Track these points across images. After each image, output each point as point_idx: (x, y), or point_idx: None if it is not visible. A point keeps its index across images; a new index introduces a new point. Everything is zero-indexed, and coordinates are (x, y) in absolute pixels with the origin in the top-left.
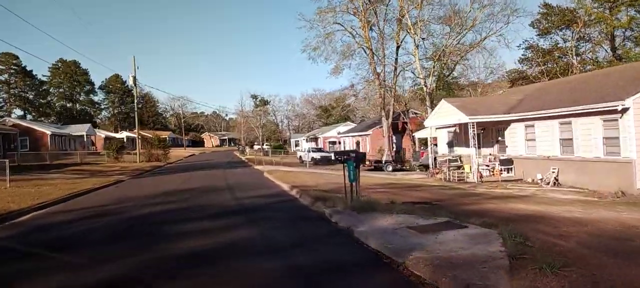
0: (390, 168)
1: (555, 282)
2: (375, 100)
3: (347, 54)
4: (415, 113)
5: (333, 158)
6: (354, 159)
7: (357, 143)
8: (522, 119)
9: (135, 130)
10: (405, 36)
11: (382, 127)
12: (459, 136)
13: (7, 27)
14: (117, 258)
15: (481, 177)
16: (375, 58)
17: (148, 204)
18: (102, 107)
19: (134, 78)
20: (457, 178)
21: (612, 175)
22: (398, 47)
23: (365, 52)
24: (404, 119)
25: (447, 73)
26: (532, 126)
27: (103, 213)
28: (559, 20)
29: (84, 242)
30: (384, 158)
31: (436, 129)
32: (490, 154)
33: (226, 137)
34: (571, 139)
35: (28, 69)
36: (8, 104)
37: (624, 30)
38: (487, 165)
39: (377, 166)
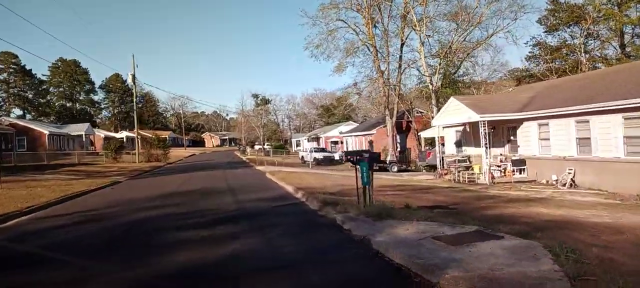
0: (396, 168)
1: None
2: (379, 99)
3: (350, 51)
4: (420, 112)
5: (341, 158)
6: (367, 160)
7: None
8: (535, 117)
9: (135, 130)
10: (410, 33)
11: (386, 126)
12: (468, 135)
13: (7, 26)
14: (103, 275)
15: (493, 178)
16: (379, 56)
17: (144, 208)
18: (102, 106)
19: (133, 76)
20: (467, 179)
21: (633, 176)
22: (402, 45)
23: (369, 50)
24: (408, 117)
25: (453, 71)
26: (546, 125)
27: (94, 218)
28: (567, 16)
29: (68, 254)
30: (388, 159)
31: (443, 128)
32: (500, 154)
33: (227, 137)
34: (588, 138)
35: (27, 68)
36: (7, 104)
37: (633, 27)
38: (498, 166)
39: (382, 166)
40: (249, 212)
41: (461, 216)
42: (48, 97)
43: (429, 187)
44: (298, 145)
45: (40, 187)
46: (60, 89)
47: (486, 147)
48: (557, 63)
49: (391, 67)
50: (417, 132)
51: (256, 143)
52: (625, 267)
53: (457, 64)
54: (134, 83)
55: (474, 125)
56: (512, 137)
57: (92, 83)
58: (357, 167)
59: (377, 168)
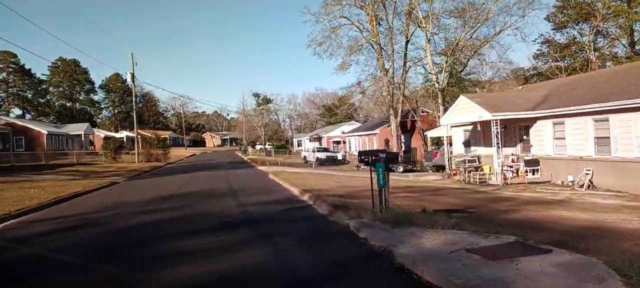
0: (401, 169)
1: None
2: (383, 98)
3: (354, 48)
4: (425, 111)
5: (343, 158)
6: (384, 161)
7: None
8: (550, 115)
9: (135, 130)
10: (415, 30)
11: (390, 125)
12: (478, 135)
13: (7, 25)
14: None
15: (505, 179)
16: (383, 53)
17: (139, 212)
18: (102, 106)
19: (132, 75)
20: (478, 180)
21: None
22: (407, 42)
23: (373, 48)
24: (413, 117)
25: (460, 69)
26: (562, 123)
27: (85, 224)
28: (576, 13)
29: (49, 266)
30: None
31: (451, 127)
32: (512, 154)
33: (228, 137)
34: (608, 138)
35: (27, 67)
36: (6, 103)
37: None
38: (510, 166)
39: (388, 167)
40: (254, 217)
41: (484, 222)
42: (48, 97)
43: (439, 188)
44: (299, 145)
45: (35, 188)
46: (60, 89)
47: (499, 147)
48: (565, 61)
49: (396, 66)
50: (423, 132)
51: (257, 143)
52: None
53: (464, 62)
54: (133, 82)
55: (485, 124)
56: (524, 136)
57: (92, 83)
58: (372, 168)
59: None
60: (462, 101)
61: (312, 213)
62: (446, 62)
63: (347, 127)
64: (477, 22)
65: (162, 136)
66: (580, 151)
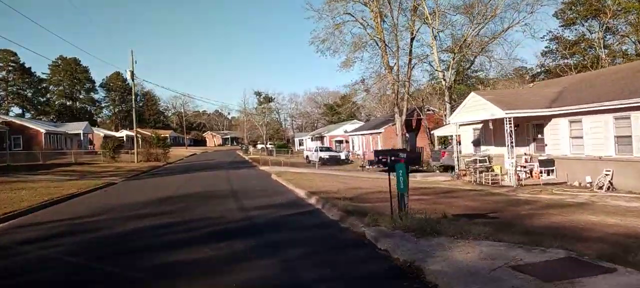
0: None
1: None
2: (387, 97)
3: (358, 45)
4: (431, 110)
5: (347, 158)
6: (405, 161)
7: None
8: (567, 113)
9: (134, 129)
10: (420, 27)
11: (394, 124)
12: (488, 133)
13: (6, 24)
14: None
15: (519, 179)
16: (387, 51)
17: (133, 217)
18: (103, 105)
19: (132, 73)
20: (490, 181)
21: None
22: (412, 39)
23: (377, 45)
24: (419, 115)
25: (467, 66)
26: (579, 121)
27: (73, 230)
28: (585, 10)
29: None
30: None
31: (460, 125)
32: (525, 154)
33: (229, 136)
34: (629, 136)
35: (27, 66)
36: (6, 102)
37: None
38: (523, 167)
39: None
40: (258, 223)
41: (512, 229)
42: (48, 96)
43: (451, 190)
44: (301, 144)
45: (27, 190)
46: (60, 88)
47: (512, 146)
48: (574, 59)
49: (400, 63)
50: (429, 131)
51: (258, 142)
52: None
53: (471, 59)
54: (133, 80)
55: (497, 123)
56: (540, 135)
57: (93, 82)
58: (390, 169)
59: (387, 168)
60: (473, 98)
61: (321, 218)
62: (453, 59)
63: (349, 126)
64: (484, 18)
65: (163, 135)
66: (599, 151)
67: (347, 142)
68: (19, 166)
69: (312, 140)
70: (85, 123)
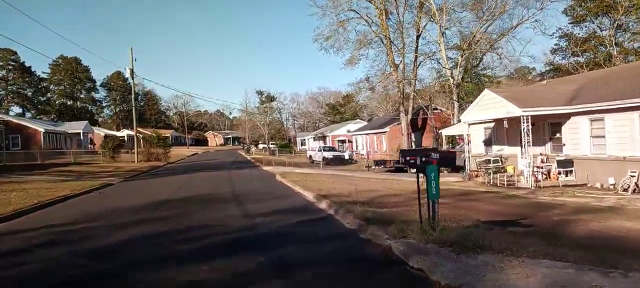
0: (414, 169)
1: None
2: (390, 97)
3: (363, 42)
4: (437, 109)
5: (351, 158)
6: (437, 163)
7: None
8: (587, 111)
9: (134, 128)
10: (426, 24)
11: (400, 123)
12: (500, 133)
13: (6, 23)
14: None
15: (536, 181)
16: (393, 48)
17: (125, 224)
18: (104, 105)
19: (131, 70)
20: (506, 182)
21: None
22: (418, 36)
23: (383, 42)
24: (425, 114)
25: (475, 63)
26: (601, 120)
27: (53, 240)
28: (596, 6)
29: None
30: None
31: (470, 125)
32: (541, 154)
33: (230, 136)
34: None
35: (27, 65)
36: (6, 101)
37: None
38: (539, 167)
39: (399, 167)
40: (264, 233)
41: (554, 240)
42: (48, 95)
43: (466, 192)
44: (303, 144)
45: (18, 191)
46: (61, 87)
47: (529, 146)
48: (585, 56)
49: (406, 61)
50: (437, 130)
51: (260, 142)
52: None
53: (479, 57)
54: (132, 78)
55: (512, 121)
56: (558, 134)
57: (94, 81)
58: (419, 171)
59: (394, 168)
60: (487, 96)
61: (336, 227)
62: (462, 56)
63: (352, 125)
64: (492, 15)
65: (164, 135)
66: (623, 150)
67: (350, 141)
68: (15, 166)
69: (314, 139)
70: (85, 122)
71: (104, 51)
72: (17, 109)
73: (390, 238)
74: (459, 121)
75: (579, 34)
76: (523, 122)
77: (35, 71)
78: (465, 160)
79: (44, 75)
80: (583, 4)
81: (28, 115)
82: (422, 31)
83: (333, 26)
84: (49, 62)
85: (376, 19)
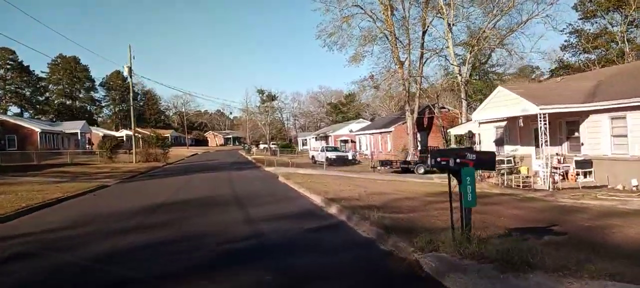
0: (422, 170)
1: None
2: (397, 94)
3: (367, 39)
4: (444, 108)
5: (354, 158)
6: (474, 164)
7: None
8: (608, 108)
9: (132, 127)
10: (433, 19)
11: (405, 123)
12: (513, 132)
13: (6, 22)
14: None
15: (554, 182)
16: (398, 45)
17: (117, 231)
18: (103, 104)
19: (130, 69)
20: (521, 184)
21: None
22: (424, 32)
23: (388, 39)
24: (431, 113)
25: (484, 60)
26: (623, 118)
27: (34, 250)
28: (607, 1)
29: None
30: (410, 158)
31: (479, 123)
32: (557, 154)
33: (230, 136)
34: None
35: (25, 64)
36: (4, 101)
37: None
38: (556, 168)
39: (405, 168)
40: (270, 242)
41: (603, 250)
42: (47, 95)
43: (482, 195)
44: (304, 144)
45: (7, 193)
46: (60, 87)
47: (547, 145)
48: (596, 53)
49: (412, 57)
50: (444, 129)
51: (261, 142)
52: None
53: (488, 53)
54: (131, 76)
55: (526, 120)
56: (575, 133)
57: (93, 81)
58: (451, 175)
59: (400, 169)
60: (501, 93)
61: (351, 236)
62: (470, 52)
63: (355, 125)
64: (501, 10)
65: (163, 135)
66: None
67: (353, 141)
68: (9, 167)
69: (316, 139)
70: (83, 122)
71: (104, 51)
72: (15, 109)
73: (418, 251)
74: (469, 120)
75: (589, 30)
76: (540, 121)
77: (33, 70)
78: None
79: (43, 75)
80: None
81: (26, 115)
82: (428, 27)
83: (337, 22)
84: (47, 62)
85: (381, 14)
